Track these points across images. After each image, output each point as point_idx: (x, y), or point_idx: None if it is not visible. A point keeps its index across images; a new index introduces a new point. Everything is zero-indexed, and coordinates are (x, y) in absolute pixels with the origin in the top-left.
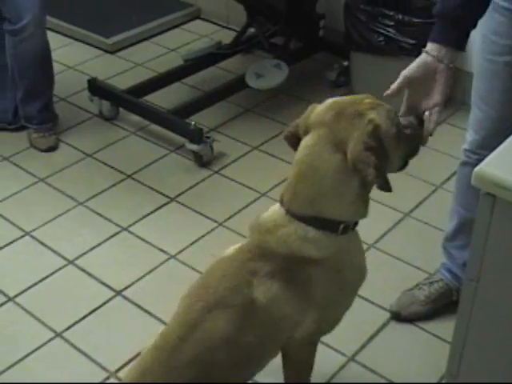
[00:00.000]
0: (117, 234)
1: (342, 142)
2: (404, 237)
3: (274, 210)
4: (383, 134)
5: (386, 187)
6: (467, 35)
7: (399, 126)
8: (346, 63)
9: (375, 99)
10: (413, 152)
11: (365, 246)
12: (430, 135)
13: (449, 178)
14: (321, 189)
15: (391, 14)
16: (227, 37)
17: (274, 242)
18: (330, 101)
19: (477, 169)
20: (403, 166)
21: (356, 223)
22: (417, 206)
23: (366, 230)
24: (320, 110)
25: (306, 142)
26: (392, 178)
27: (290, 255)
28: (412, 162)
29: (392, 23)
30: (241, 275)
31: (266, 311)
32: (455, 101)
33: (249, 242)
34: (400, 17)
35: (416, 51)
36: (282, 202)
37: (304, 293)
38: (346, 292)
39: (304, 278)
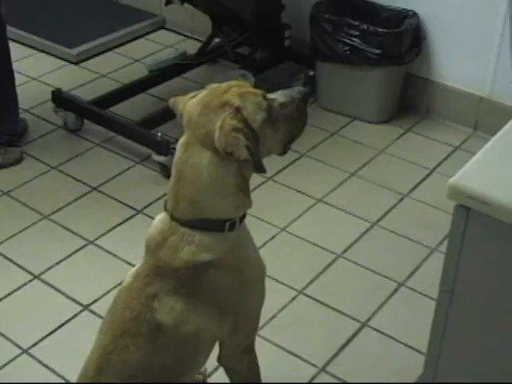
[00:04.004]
0: (83, 247)
1: (210, 134)
2: (372, 246)
3: (159, 220)
4: (248, 116)
5: (260, 169)
6: None
7: (271, 110)
8: (311, 73)
9: (245, 86)
10: (296, 132)
11: (333, 256)
12: None
13: (415, 187)
14: (199, 189)
15: (357, 23)
16: (192, 47)
17: (167, 256)
18: (203, 93)
19: (450, 181)
20: (285, 149)
21: (242, 217)
22: (384, 215)
23: (334, 239)
24: (192, 103)
25: (180, 142)
26: (358, 187)
27: (186, 265)
28: (377, 171)
29: (357, 33)
30: (141, 303)
31: (177, 331)
32: (420, 109)
33: (144, 266)
34: (365, 27)
35: (381, 60)
36: (166, 209)
37: (211, 301)
38: (252, 287)
39: (206, 285)
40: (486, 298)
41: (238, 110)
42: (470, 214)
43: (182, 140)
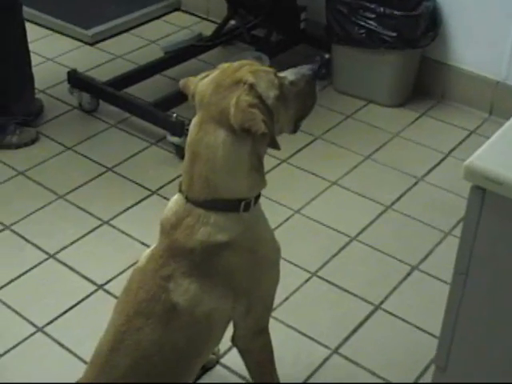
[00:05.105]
0: (98, 227)
1: (224, 112)
2: (385, 230)
3: (174, 201)
4: (262, 92)
5: (275, 144)
6: None
7: (283, 87)
8: (327, 56)
9: (256, 64)
10: (306, 110)
11: (346, 239)
12: None
13: (430, 171)
14: (214, 168)
15: (372, 6)
16: (207, 29)
17: (182, 237)
18: (215, 72)
19: (466, 162)
20: (296, 127)
21: (257, 198)
22: (398, 199)
23: (348, 222)
24: (204, 83)
25: (193, 122)
26: (372, 170)
27: (201, 247)
28: (392, 155)
29: (373, 16)
30: (156, 284)
31: (191, 312)
32: (435, 93)
33: (159, 247)
34: (381, 9)
35: (397, 44)
36: (180, 190)
37: (225, 282)
38: (267, 268)
39: (221, 266)
40: (501, 280)
41: (251, 86)
42: (485, 195)
43: (194, 120)
